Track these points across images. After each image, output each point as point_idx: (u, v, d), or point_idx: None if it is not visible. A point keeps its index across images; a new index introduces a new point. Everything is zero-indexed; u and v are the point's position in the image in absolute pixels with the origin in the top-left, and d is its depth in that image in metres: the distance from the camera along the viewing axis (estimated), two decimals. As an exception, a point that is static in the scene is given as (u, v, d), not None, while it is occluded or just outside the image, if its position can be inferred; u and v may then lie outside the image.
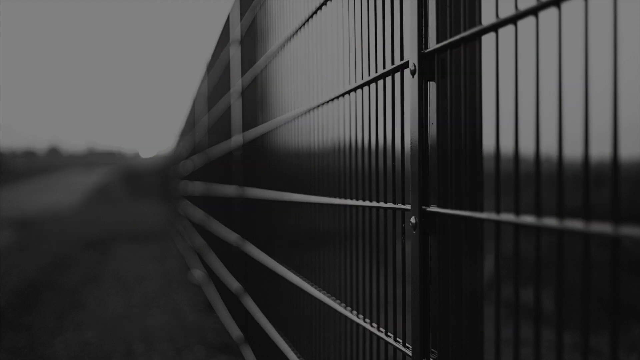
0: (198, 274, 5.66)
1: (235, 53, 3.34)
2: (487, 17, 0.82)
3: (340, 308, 1.46)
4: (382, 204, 1.19)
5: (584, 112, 0.60)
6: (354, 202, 1.35)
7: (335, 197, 1.50)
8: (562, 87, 0.66)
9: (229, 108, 3.57)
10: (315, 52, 1.66)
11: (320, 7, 1.59)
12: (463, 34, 0.88)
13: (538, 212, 0.70)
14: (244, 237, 3.08)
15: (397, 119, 1.11)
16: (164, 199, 15.94)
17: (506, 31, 0.77)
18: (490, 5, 0.80)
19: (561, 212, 0.66)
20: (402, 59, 1.09)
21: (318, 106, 1.62)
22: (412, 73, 1.02)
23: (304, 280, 1.83)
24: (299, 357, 1.90)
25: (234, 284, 3.39)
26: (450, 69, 0.97)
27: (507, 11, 0.76)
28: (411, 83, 1.03)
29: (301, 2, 1.77)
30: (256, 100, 2.68)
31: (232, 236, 3.48)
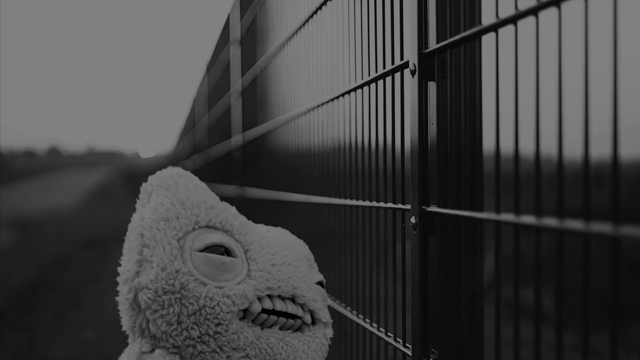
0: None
1: (235, 53, 3.34)
2: (487, 17, 0.82)
3: (340, 308, 1.46)
4: (382, 204, 1.19)
5: (584, 112, 0.60)
6: (354, 202, 1.35)
7: (335, 197, 1.50)
8: (562, 87, 0.65)
9: (229, 108, 3.57)
10: (315, 52, 1.66)
11: (320, 7, 1.59)
12: (463, 34, 0.88)
13: (538, 212, 0.70)
14: (244, 237, 3.07)
15: (397, 119, 1.11)
16: (164, 199, 15.88)
17: (506, 31, 0.77)
18: (490, 5, 0.80)
19: (561, 212, 0.66)
20: (402, 59, 1.09)
21: (318, 106, 1.62)
22: (412, 73, 1.02)
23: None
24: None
25: (234, 284, 3.39)
26: (450, 69, 0.97)
27: (507, 11, 0.76)
28: (411, 83, 1.03)
29: (301, 2, 1.77)
30: (256, 100, 2.68)
31: (232, 236, 3.47)
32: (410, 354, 1.06)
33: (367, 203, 1.27)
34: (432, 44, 0.99)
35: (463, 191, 0.93)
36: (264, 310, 0.97)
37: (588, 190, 0.62)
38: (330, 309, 1.55)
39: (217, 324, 0.92)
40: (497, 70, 0.78)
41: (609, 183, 0.58)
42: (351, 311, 1.39)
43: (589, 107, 0.60)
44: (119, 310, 1.01)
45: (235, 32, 3.29)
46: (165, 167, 1.08)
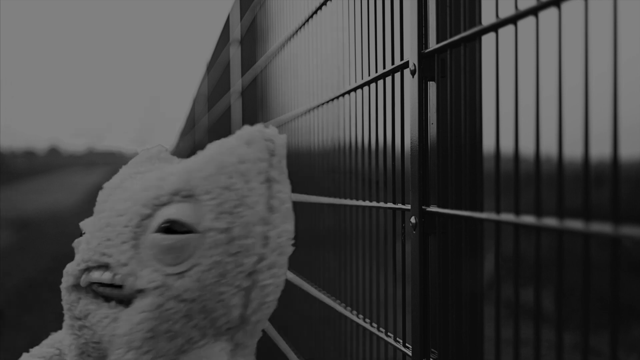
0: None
1: (235, 53, 3.34)
2: (487, 17, 0.82)
3: (340, 308, 1.46)
4: (382, 204, 1.19)
5: (584, 112, 0.60)
6: (353, 202, 1.35)
7: (335, 197, 1.50)
8: (562, 87, 0.65)
9: (229, 108, 3.57)
10: (315, 52, 1.66)
11: (320, 7, 1.59)
12: (463, 34, 0.88)
13: (538, 212, 0.70)
14: (244, 237, 3.07)
15: (397, 119, 1.11)
16: (164, 199, 15.86)
17: (506, 31, 0.77)
18: (490, 5, 0.80)
19: (561, 212, 0.66)
20: (402, 59, 1.09)
21: (318, 106, 1.62)
22: (412, 73, 1.02)
23: (304, 280, 1.83)
24: (298, 357, 1.90)
25: (234, 284, 3.38)
26: (450, 69, 0.97)
27: (507, 11, 0.76)
28: (411, 83, 1.03)
29: (301, 2, 1.77)
30: (256, 100, 2.68)
31: (232, 236, 3.46)
32: (410, 354, 1.06)
33: (366, 203, 1.27)
34: (432, 44, 0.99)
35: (463, 191, 0.93)
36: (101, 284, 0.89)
37: (588, 190, 0.62)
38: (330, 308, 1.55)
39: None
40: (497, 70, 0.78)
41: (609, 183, 0.58)
42: (351, 311, 1.39)
43: (589, 107, 0.60)
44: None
45: (235, 32, 3.29)
46: None
